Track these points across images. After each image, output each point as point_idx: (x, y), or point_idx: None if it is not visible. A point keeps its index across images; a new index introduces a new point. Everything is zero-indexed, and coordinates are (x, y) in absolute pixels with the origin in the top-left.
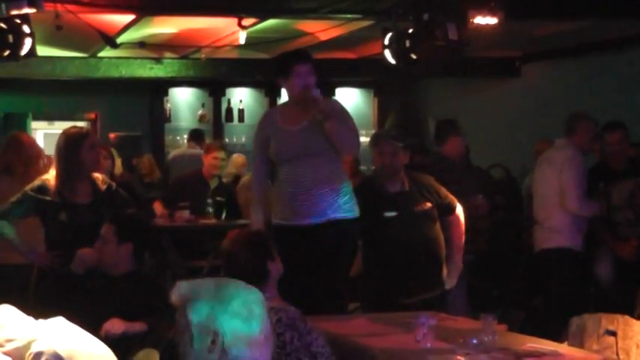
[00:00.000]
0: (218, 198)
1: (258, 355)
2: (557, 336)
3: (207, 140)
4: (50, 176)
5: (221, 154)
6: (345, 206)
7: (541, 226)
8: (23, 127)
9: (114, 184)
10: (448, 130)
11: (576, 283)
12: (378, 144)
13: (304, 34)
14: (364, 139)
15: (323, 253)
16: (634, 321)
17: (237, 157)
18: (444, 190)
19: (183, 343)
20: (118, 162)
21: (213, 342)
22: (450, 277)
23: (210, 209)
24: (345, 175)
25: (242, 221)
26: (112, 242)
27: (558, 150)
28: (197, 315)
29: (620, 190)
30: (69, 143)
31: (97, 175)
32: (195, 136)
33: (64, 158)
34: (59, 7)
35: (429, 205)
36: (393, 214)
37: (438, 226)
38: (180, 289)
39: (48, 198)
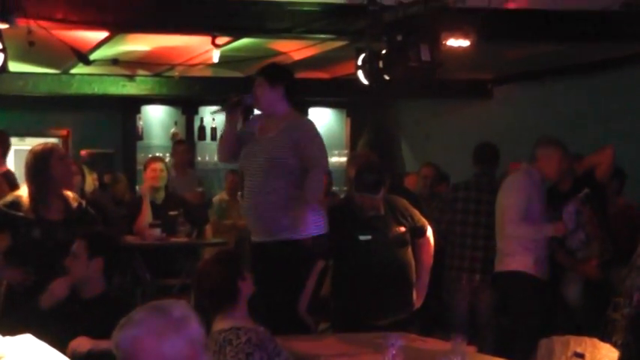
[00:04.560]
0: (171, 212)
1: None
2: (526, 358)
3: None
4: (22, 192)
5: (159, 165)
6: (292, 227)
7: (497, 249)
8: None
9: (84, 202)
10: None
11: (533, 304)
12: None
13: (278, 53)
14: (337, 159)
15: (271, 273)
16: (602, 344)
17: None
18: (417, 213)
19: None
20: (89, 179)
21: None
22: (418, 297)
23: (182, 228)
24: (300, 195)
25: (213, 240)
26: (83, 257)
27: (513, 174)
28: (167, 341)
29: (568, 213)
30: (37, 160)
31: (68, 193)
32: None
33: (35, 175)
34: (32, 23)
35: (402, 229)
36: (367, 237)
37: (410, 250)
38: (124, 335)
39: (20, 214)
